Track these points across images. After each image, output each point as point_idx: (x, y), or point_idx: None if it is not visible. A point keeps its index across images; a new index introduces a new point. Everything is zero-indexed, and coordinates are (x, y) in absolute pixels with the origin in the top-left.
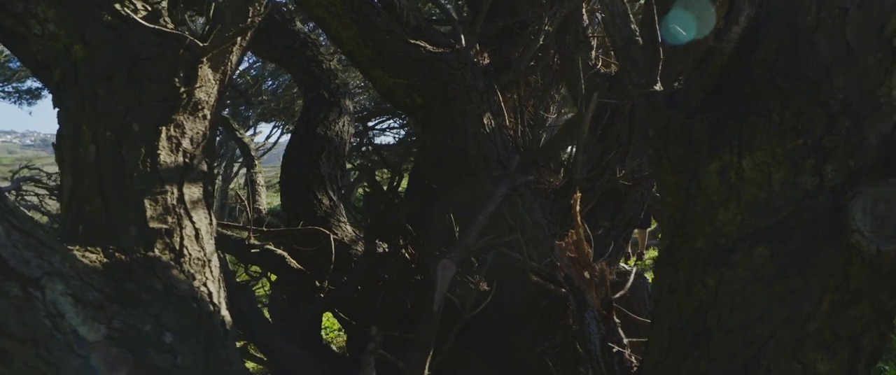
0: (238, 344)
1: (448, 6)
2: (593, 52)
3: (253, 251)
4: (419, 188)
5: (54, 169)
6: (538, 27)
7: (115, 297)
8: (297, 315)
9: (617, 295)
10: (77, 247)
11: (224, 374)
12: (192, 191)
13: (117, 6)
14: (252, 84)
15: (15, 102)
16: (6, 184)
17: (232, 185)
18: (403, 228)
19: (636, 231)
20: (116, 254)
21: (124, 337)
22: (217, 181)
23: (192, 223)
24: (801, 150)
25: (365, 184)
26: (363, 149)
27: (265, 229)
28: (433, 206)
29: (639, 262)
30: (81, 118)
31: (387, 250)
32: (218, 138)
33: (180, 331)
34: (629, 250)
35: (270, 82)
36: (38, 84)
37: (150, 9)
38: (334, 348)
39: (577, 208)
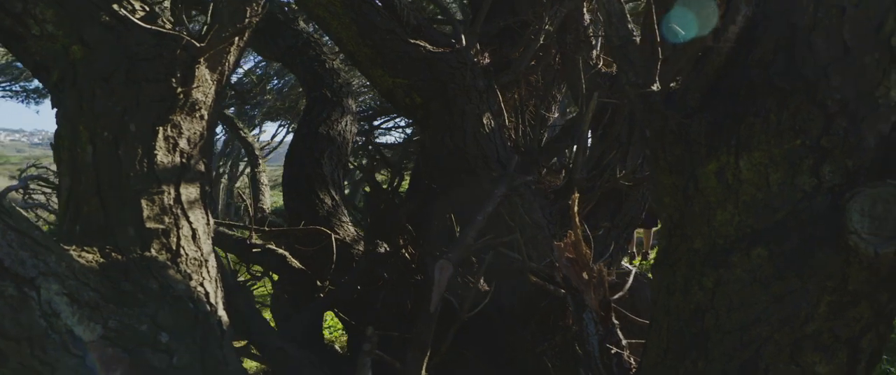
0: (240, 344)
1: (453, 5)
2: (594, 52)
3: (254, 250)
4: (420, 188)
5: None
6: (538, 27)
7: (111, 297)
8: (297, 314)
9: (616, 296)
10: (73, 247)
11: (220, 374)
12: (190, 191)
13: (115, 6)
14: (256, 83)
15: (22, 101)
16: (14, 182)
17: (238, 184)
18: (403, 228)
19: (642, 231)
20: (113, 254)
21: (120, 337)
22: (223, 180)
23: (189, 223)
24: (799, 151)
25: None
26: (370, 147)
27: (267, 228)
28: (433, 206)
29: (643, 262)
30: (79, 118)
31: (387, 250)
32: (224, 137)
33: (176, 331)
34: (634, 250)
35: (276, 81)
36: None
37: (147, 9)
38: (338, 347)
39: (576, 208)
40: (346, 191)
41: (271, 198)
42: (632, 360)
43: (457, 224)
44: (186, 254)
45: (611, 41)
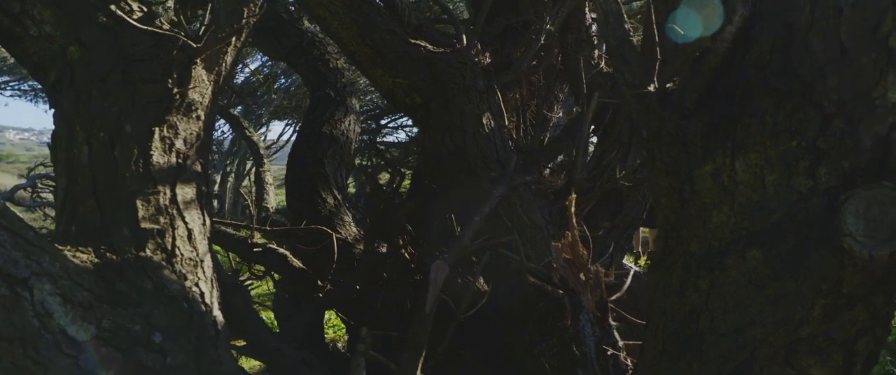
0: (242, 344)
1: (461, 3)
2: (596, 52)
3: (256, 250)
4: (420, 188)
5: None
6: (540, 26)
7: (104, 297)
8: (298, 314)
9: (613, 297)
10: (68, 247)
11: (215, 374)
12: (185, 192)
13: (113, 7)
14: (263, 82)
15: (31, 100)
16: (23, 180)
17: (245, 183)
18: (403, 228)
19: (648, 230)
20: (108, 254)
21: (113, 337)
22: (230, 178)
23: (185, 223)
24: (795, 152)
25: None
26: (376, 147)
27: (268, 228)
28: (433, 206)
29: (649, 262)
30: (76, 119)
31: (386, 250)
32: (231, 136)
33: (171, 331)
34: (639, 249)
35: (283, 80)
36: None
37: (145, 10)
38: (341, 346)
39: (573, 209)
40: (353, 191)
41: (277, 197)
42: (629, 361)
43: (457, 224)
44: (182, 255)
45: (608, 41)
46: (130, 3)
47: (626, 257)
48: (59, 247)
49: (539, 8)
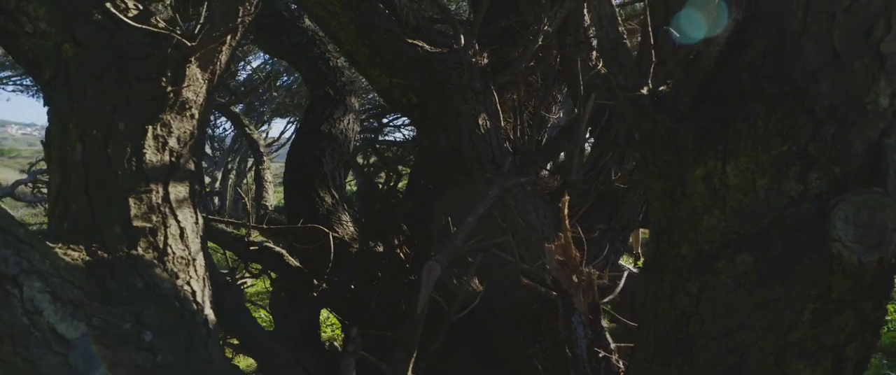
0: (237, 342)
1: (463, 3)
2: (594, 53)
3: (252, 248)
4: (417, 188)
5: None
6: (537, 27)
7: (95, 295)
8: (294, 313)
9: (606, 299)
10: (59, 245)
11: (205, 373)
12: (178, 190)
13: (108, 5)
14: (264, 80)
15: (33, 96)
16: (25, 175)
17: (246, 180)
18: (399, 228)
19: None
20: (99, 252)
21: (103, 335)
22: (231, 176)
23: (177, 222)
24: (786, 157)
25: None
26: (376, 146)
27: (265, 226)
28: (430, 206)
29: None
30: (69, 116)
31: (382, 249)
32: (233, 133)
33: (161, 330)
34: (639, 250)
35: (286, 77)
36: None
37: (141, 8)
38: (338, 345)
39: (566, 211)
40: (354, 189)
41: (277, 195)
42: (621, 364)
43: (453, 225)
44: (173, 253)
45: (601, 44)
46: (126, 1)
47: (625, 258)
48: (51, 245)
49: (537, 9)
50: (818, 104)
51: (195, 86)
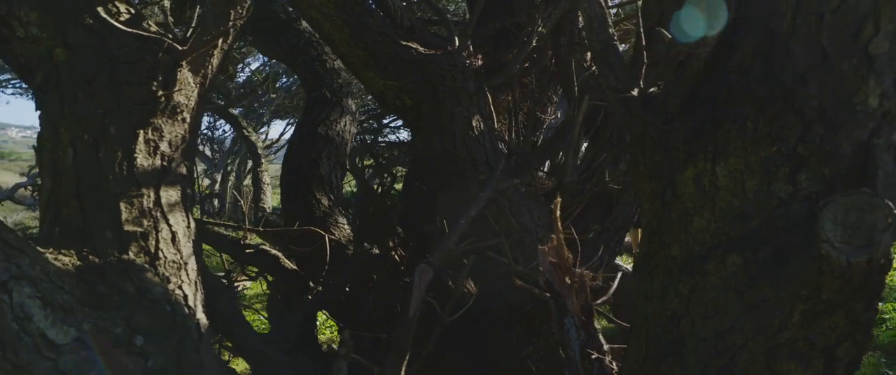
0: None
1: (462, 4)
2: (588, 54)
3: (248, 251)
4: (411, 189)
5: None
6: (532, 29)
7: (85, 300)
8: (290, 315)
9: (600, 301)
10: (50, 250)
11: None
12: (170, 194)
13: (99, 9)
14: (262, 82)
15: (33, 99)
16: (24, 178)
17: (246, 182)
18: (394, 230)
19: None
20: (90, 257)
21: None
22: (231, 178)
23: (169, 226)
24: (775, 158)
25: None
26: (375, 148)
27: (261, 229)
28: (424, 208)
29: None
30: (61, 121)
31: (377, 252)
32: (231, 135)
33: (152, 334)
34: (637, 251)
35: (285, 79)
36: None
37: (133, 12)
38: (335, 347)
39: (558, 212)
40: (353, 191)
41: (275, 197)
42: (614, 365)
43: (447, 227)
44: (165, 257)
45: (592, 46)
46: (118, 4)
47: (624, 259)
48: (41, 250)
49: (532, 10)
50: (807, 105)
51: (186, 89)
